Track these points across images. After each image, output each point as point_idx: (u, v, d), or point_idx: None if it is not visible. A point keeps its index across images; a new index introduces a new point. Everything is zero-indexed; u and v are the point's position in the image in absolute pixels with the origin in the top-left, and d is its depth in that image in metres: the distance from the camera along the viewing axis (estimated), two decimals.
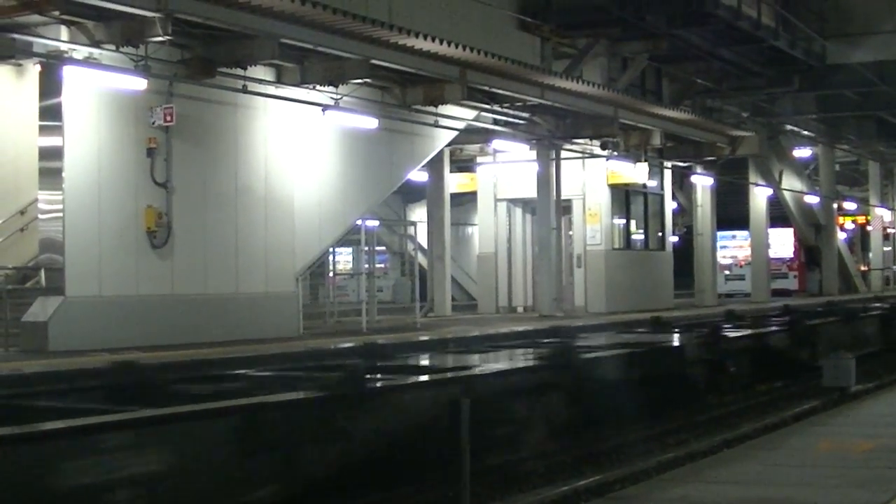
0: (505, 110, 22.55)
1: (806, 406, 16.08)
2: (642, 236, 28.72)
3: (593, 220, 26.10)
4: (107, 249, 15.43)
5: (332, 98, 18.07)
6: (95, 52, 14.91)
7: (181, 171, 16.29)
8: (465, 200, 30.47)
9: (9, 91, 17.35)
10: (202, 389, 10.14)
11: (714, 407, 15.61)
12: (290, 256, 18.25)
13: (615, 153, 25.30)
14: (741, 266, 38.90)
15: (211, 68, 16.05)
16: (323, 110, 17.80)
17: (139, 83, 15.15)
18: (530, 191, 25.12)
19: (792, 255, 40.03)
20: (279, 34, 15.73)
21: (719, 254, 34.29)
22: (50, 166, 15.29)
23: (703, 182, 31.20)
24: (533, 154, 24.79)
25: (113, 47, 14.88)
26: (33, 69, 16.18)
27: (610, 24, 24.43)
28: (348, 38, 16.72)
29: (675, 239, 32.27)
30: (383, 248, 36.80)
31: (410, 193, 33.28)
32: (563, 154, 24.72)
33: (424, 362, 13.85)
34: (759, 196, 35.04)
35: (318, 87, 17.75)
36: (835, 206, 39.99)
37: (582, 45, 25.19)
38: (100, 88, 15.17)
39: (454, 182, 26.91)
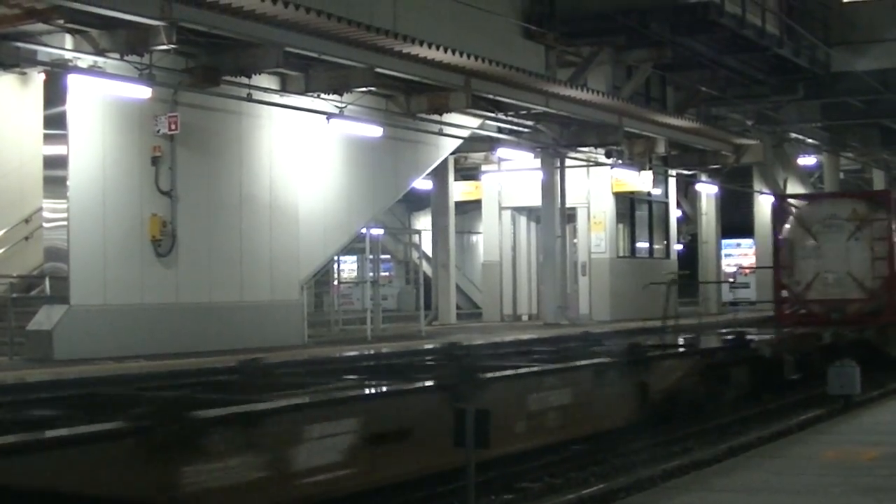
0: (509, 118, 22.55)
1: (811, 414, 16.08)
2: (647, 244, 28.69)
3: (598, 229, 26.09)
4: (111, 258, 15.43)
5: (336, 106, 18.09)
6: (100, 60, 14.94)
7: (186, 179, 16.30)
8: (470, 209, 30.47)
9: (13, 100, 17.37)
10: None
11: None
12: (295, 264, 18.25)
13: (620, 161, 25.27)
14: (746, 274, 38.80)
15: (215, 77, 16.05)
16: (327, 119, 17.83)
17: (144, 92, 15.18)
18: (535, 199, 25.11)
19: None
20: (284, 43, 15.74)
21: (724, 262, 34.23)
22: (54, 175, 15.29)
23: (707, 190, 31.17)
24: (537, 162, 24.78)
25: (117, 56, 14.90)
26: (38, 78, 16.17)
27: (615, 32, 24.42)
28: (353, 46, 16.74)
29: (680, 247, 32.21)
30: (388, 256, 36.81)
31: (415, 202, 33.26)
32: (568, 162, 24.71)
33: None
34: (764, 204, 34.96)
35: (322, 95, 17.77)
36: None
37: (586, 53, 25.18)
38: (104, 97, 15.19)
39: (459, 190, 26.93)
